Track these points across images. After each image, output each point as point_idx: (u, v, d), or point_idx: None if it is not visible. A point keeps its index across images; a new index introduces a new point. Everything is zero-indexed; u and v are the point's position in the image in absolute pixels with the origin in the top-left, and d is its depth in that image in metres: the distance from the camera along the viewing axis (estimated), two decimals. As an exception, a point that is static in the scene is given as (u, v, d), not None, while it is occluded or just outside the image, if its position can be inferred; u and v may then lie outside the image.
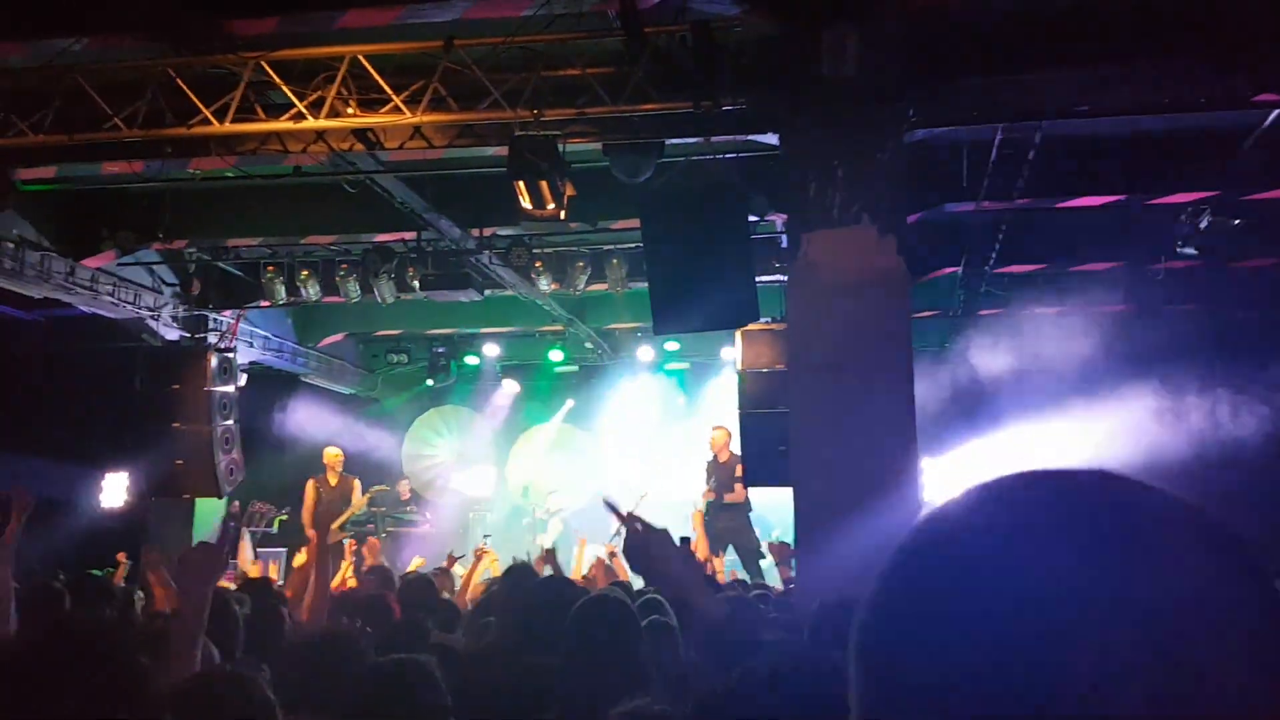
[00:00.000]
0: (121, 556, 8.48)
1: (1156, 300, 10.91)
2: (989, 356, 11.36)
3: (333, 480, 11.76)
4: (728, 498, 10.61)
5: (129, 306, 10.82)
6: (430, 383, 15.21)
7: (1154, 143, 8.41)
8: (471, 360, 14.95)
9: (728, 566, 10.35)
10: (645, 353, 14.60)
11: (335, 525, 11.40)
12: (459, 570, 8.59)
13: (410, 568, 8.88)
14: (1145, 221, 9.88)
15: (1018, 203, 8.53)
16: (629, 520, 2.21)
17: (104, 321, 11.07)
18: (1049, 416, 11.30)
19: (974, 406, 11.86)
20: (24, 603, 5.15)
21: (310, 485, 11.65)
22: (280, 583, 9.89)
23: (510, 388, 15.95)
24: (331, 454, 11.83)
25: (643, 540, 2.21)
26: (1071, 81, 6.63)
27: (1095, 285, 10.62)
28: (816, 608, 3.84)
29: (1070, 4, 6.46)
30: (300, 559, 8.56)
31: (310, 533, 11.23)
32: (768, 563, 11.02)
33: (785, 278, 9.72)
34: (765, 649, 2.53)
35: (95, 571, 7.82)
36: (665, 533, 2.24)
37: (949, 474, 11.95)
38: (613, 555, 8.73)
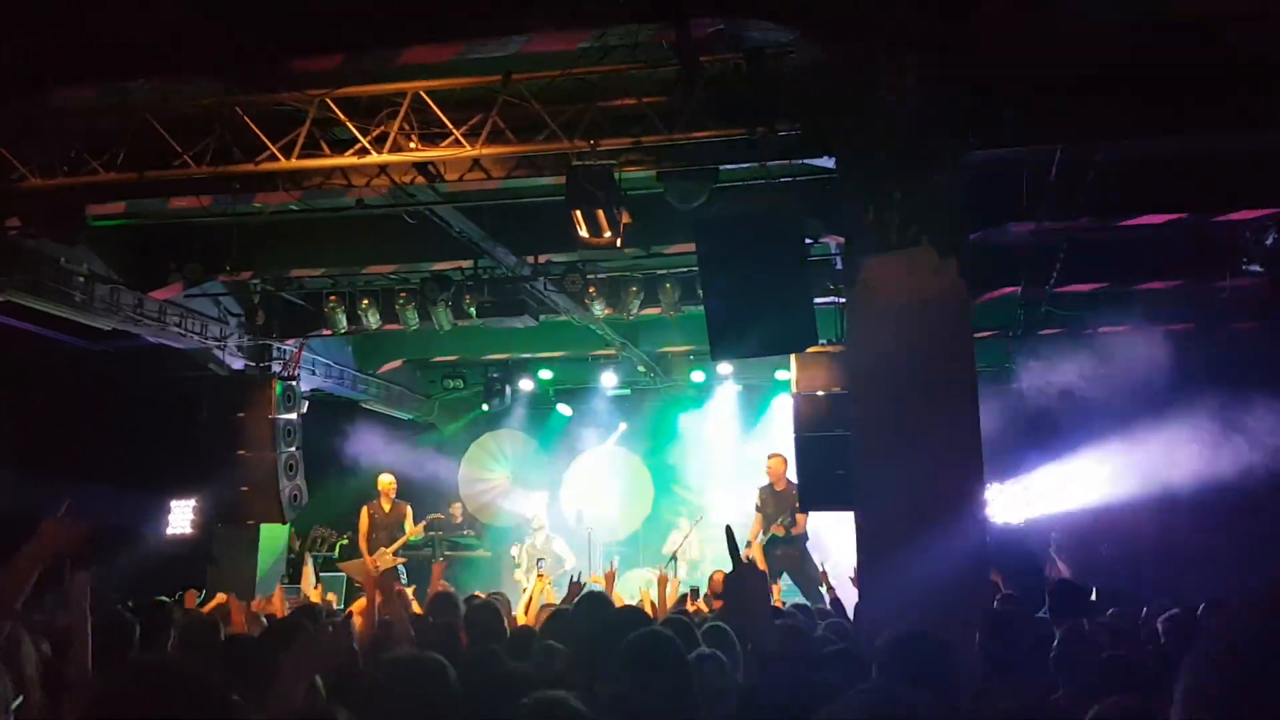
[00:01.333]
0: (191, 595, 8.63)
1: (1221, 317, 10.71)
2: (1050, 376, 11.20)
3: (386, 506, 11.90)
4: (794, 530, 10.52)
5: (195, 337, 11.09)
6: (485, 407, 15.36)
7: (1217, 159, 8.28)
8: (526, 385, 15.08)
9: (789, 593, 10.27)
10: (698, 376, 14.61)
11: (390, 551, 11.54)
12: (524, 582, 8.66)
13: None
14: (1209, 238, 9.71)
15: (1079, 221, 8.43)
16: (745, 561, 2.42)
17: (171, 352, 11.34)
18: (1112, 436, 11.12)
19: (1035, 427, 11.71)
20: (96, 631, 5.28)
21: (364, 512, 11.82)
22: (341, 607, 10.02)
23: (564, 411, 16.05)
24: (385, 481, 11.99)
25: (748, 581, 2.39)
26: (1132, 104, 6.56)
27: (1158, 303, 10.45)
28: (887, 641, 3.80)
29: (1131, 29, 6.40)
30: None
31: (368, 559, 11.38)
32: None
33: (839, 299, 9.73)
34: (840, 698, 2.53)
35: (163, 598, 7.99)
36: (765, 579, 2.45)
37: (1014, 499, 11.79)
38: (665, 585, 8.73)
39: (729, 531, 2.51)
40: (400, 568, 11.63)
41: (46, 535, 2.71)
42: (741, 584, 2.44)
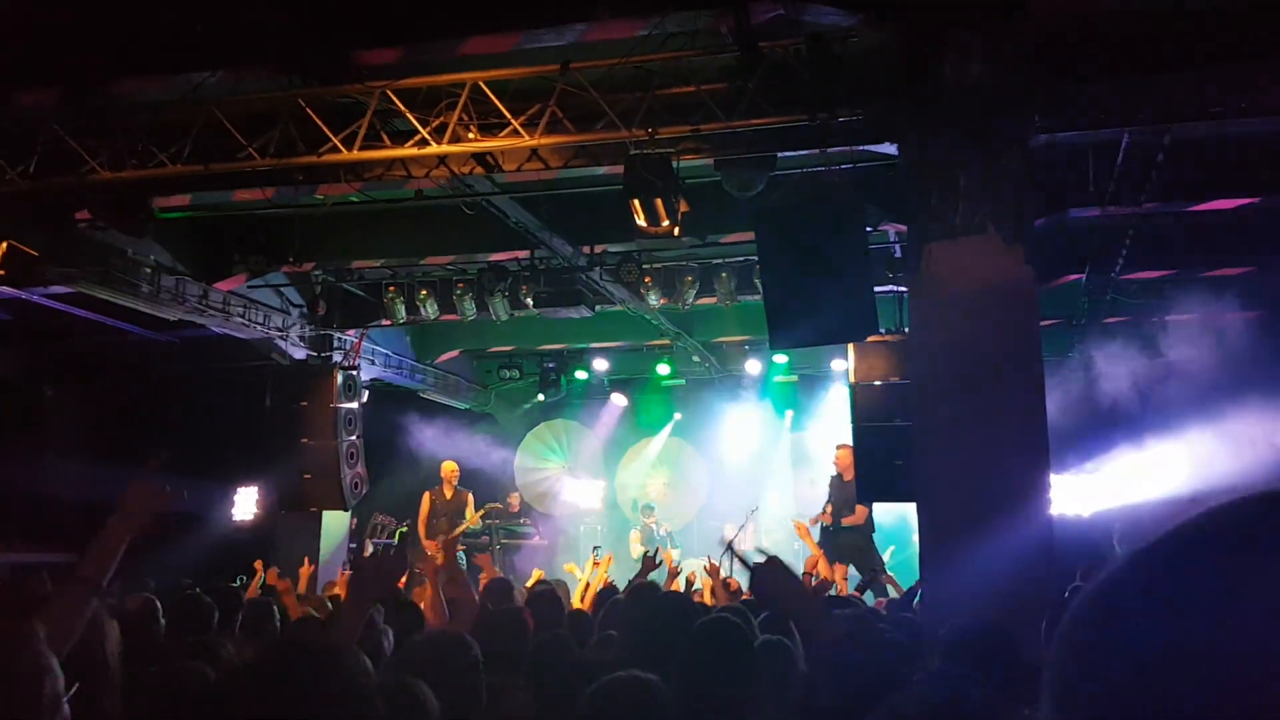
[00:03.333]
0: (259, 565, 8.82)
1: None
2: (1116, 366, 10.98)
3: (448, 493, 12.02)
4: (846, 520, 10.45)
5: (259, 327, 11.27)
6: (541, 397, 15.45)
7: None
8: (581, 375, 15.13)
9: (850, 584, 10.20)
10: (753, 366, 14.54)
11: (452, 537, 11.66)
12: (577, 572, 8.71)
13: (529, 582, 9.02)
14: (1281, 223, 9.44)
15: (1145, 206, 8.23)
16: (764, 562, 2.49)
17: (235, 342, 11.55)
18: (1180, 428, 10.86)
19: (1100, 418, 11.47)
20: (170, 612, 5.41)
21: (426, 497, 11.94)
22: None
23: (619, 401, 16.08)
24: (448, 467, 12.11)
25: (771, 576, 2.45)
26: (1205, 84, 6.37)
27: (1228, 291, 10.18)
28: (947, 631, 3.75)
29: (1201, 5, 6.22)
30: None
31: (426, 543, 11.51)
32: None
33: (898, 288, 9.61)
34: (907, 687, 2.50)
35: (230, 583, 8.16)
36: (788, 569, 2.52)
37: (1078, 491, 11.58)
38: (717, 574, 8.71)
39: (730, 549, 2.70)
40: (461, 554, 11.75)
41: (132, 498, 2.65)
42: (767, 580, 2.51)
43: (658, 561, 6.92)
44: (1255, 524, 0.65)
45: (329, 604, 6.84)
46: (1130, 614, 0.64)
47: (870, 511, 10.44)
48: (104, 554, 2.56)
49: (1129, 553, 0.68)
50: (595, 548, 12.30)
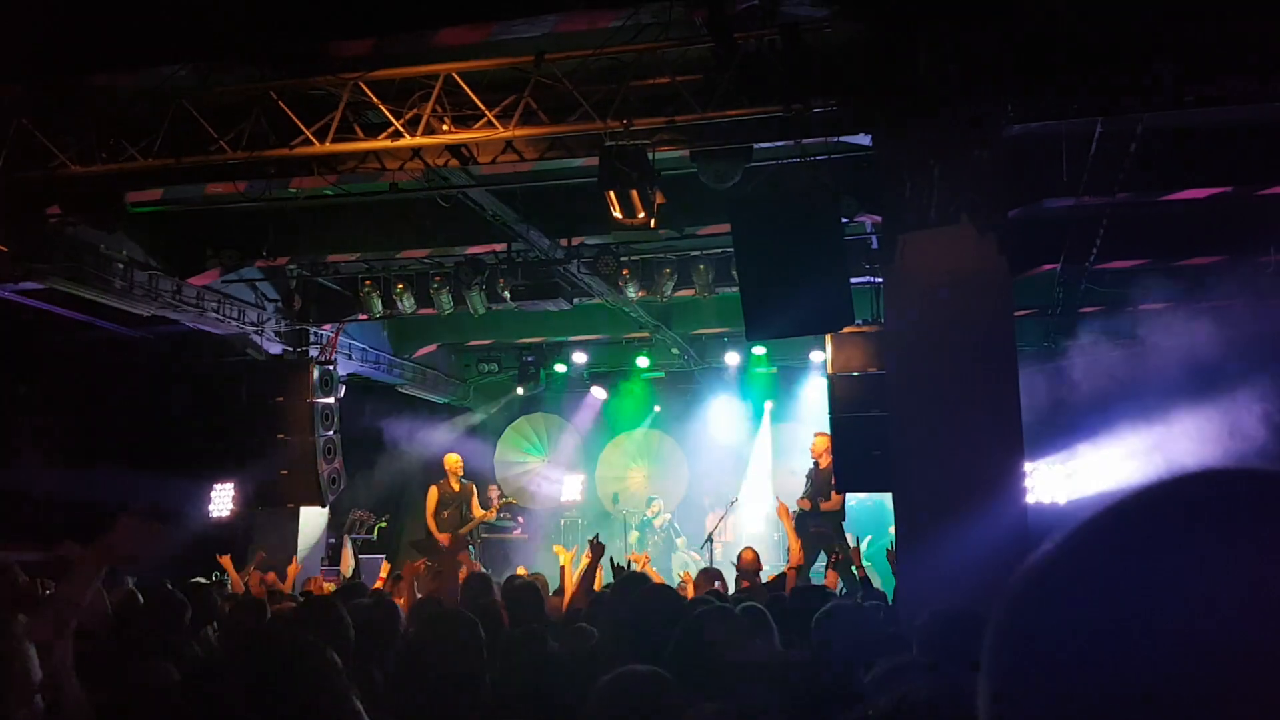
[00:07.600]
0: (227, 561, 8.77)
1: (1267, 294, 10.50)
2: (1090, 355, 11.05)
3: (455, 486, 12.00)
4: (824, 505, 10.51)
5: (233, 322, 11.18)
6: (520, 391, 15.42)
7: (1262, 131, 8.09)
8: (560, 368, 15.12)
9: (816, 574, 10.23)
10: (732, 357, 14.57)
11: (463, 532, 11.68)
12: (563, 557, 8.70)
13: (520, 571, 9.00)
14: (1254, 212, 9.51)
15: (1119, 196, 8.28)
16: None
17: (210, 337, 11.46)
18: (1153, 416, 10.96)
19: (1074, 407, 11.56)
20: (147, 606, 5.37)
21: (433, 490, 11.91)
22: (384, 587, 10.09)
23: (598, 394, 16.08)
24: (453, 460, 12.10)
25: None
26: (1176, 74, 6.41)
27: (1202, 279, 10.26)
28: (926, 619, 3.76)
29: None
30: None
31: (439, 536, 11.49)
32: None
33: (875, 279, 9.64)
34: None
35: (201, 580, 8.10)
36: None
37: (1052, 478, 11.67)
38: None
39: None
40: (471, 547, 11.79)
41: (122, 532, 2.74)
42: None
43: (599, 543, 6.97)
44: (1191, 504, 0.64)
45: (300, 598, 6.81)
46: (1066, 599, 0.63)
47: (844, 500, 10.50)
48: (83, 578, 2.70)
49: (1063, 536, 0.66)
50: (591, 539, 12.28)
